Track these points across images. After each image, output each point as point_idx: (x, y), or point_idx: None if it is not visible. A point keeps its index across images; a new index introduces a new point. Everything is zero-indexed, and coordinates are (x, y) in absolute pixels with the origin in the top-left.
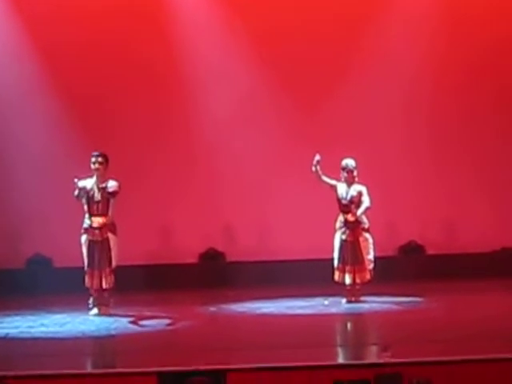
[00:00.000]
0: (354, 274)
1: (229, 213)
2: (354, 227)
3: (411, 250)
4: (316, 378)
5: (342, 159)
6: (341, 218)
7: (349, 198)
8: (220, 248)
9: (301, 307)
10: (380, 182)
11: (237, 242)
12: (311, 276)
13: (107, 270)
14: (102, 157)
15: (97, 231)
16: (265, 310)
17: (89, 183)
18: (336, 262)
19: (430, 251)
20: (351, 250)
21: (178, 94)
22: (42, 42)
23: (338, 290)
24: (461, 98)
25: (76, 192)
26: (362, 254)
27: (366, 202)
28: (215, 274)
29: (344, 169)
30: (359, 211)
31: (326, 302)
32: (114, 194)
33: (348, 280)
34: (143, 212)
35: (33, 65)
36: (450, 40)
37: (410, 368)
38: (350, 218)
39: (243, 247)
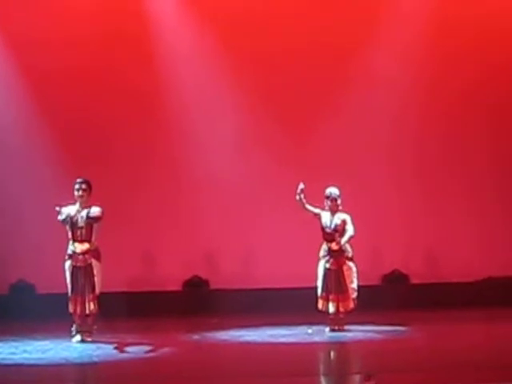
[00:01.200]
0: (337, 302)
1: (213, 240)
2: (337, 256)
3: (395, 279)
4: None
5: (326, 187)
6: (324, 246)
7: (333, 226)
8: (204, 275)
9: (284, 335)
10: (365, 210)
11: (221, 269)
12: (294, 304)
13: (91, 295)
14: (85, 183)
15: (80, 257)
16: (248, 338)
17: (72, 210)
18: (320, 291)
19: (414, 280)
20: (335, 278)
21: (163, 120)
22: (29, 68)
23: (321, 318)
24: (449, 126)
25: (61, 217)
26: (345, 282)
27: (349, 230)
28: (199, 301)
29: (328, 197)
30: (343, 240)
31: (310, 331)
32: (96, 219)
33: (332, 309)
34: (127, 239)
35: (19, 92)
36: (438, 67)
37: None
38: (334, 246)
39: (227, 275)
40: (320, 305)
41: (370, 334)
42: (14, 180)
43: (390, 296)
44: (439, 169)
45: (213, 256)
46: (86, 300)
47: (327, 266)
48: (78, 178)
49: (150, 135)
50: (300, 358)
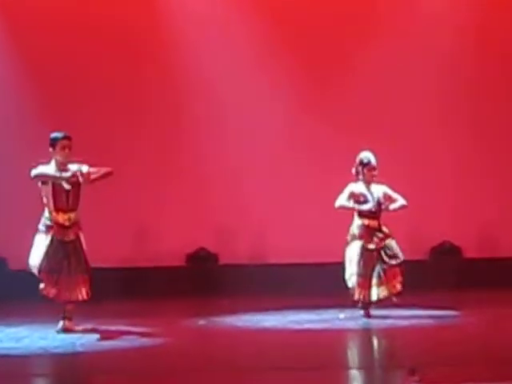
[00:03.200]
0: (383, 286)
1: (222, 208)
2: (379, 234)
3: (445, 252)
4: None
5: (359, 152)
6: (359, 223)
7: (375, 200)
8: (212, 248)
9: (310, 321)
10: (406, 173)
11: (232, 241)
12: (322, 283)
13: (83, 277)
14: (70, 139)
15: (67, 230)
16: (266, 324)
17: (50, 170)
18: (355, 278)
19: (468, 254)
20: (377, 260)
21: (162, 74)
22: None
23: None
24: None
25: (36, 171)
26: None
27: (400, 199)
28: (206, 278)
29: (365, 165)
30: (393, 206)
31: (342, 316)
32: (89, 178)
33: (375, 296)
34: (120, 207)
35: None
36: None
37: None
38: (374, 223)
39: (240, 248)
40: (358, 294)
41: (414, 320)
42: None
43: (438, 273)
44: (501, 127)
45: (223, 226)
46: (77, 282)
47: (370, 246)
48: (56, 132)
49: (149, 90)
50: (330, 348)
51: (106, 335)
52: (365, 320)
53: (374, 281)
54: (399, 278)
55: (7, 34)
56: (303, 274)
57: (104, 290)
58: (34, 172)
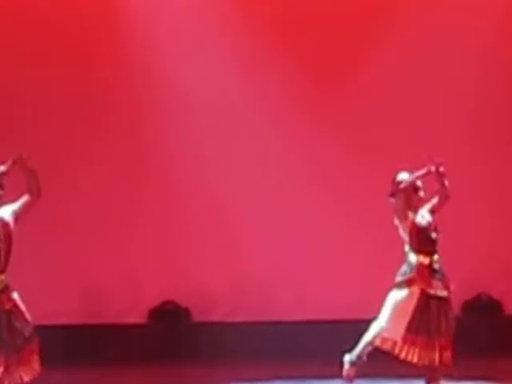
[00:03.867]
0: (442, 350)
1: (194, 253)
2: (440, 278)
3: (482, 308)
4: None
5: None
6: (411, 260)
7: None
8: (182, 301)
9: None
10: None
11: (207, 293)
12: (321, 345)
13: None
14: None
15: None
16: None
17: None
18: (402, 331)
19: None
20: (438, 314)
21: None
22: None
23: (372, 367)
24: None
25: None
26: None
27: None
28: (174, 340)
29: (418, 190)
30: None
31: None
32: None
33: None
34: (66, 254)
35: None
36: None
37: None
38: (435, 262)
39: (217, 301)
40: (404, 353)
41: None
42: None
43: (474, 332)
44: None
45: (194, 274)
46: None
47: (432, 292)
48: None
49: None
50: None
51: None
52: None
53: None
54: None
55: None
56: (297, 332)
57: (47, 354)
58: None
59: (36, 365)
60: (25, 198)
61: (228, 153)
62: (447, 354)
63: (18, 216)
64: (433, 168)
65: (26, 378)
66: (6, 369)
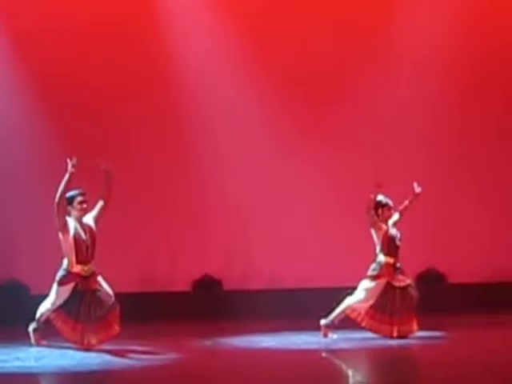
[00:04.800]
0: (402, 325)
1: (227, 237)
2: (401, 272)
3: (431, 279)
4: None
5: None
6: (381, 260)
7: (400, 236)
8: (216, 275)
9: (307, 342)
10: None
11: (235, 268)
12: (319, 306)
13: (100, 324)
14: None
15: (87, 280)
16: (266, 345)
17: (70, 224)
18: (367, 307)
19: (452, 280)
20: (401, 298)
21: (168, 104)
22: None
23: (347, 323)
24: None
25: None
26: (413, 302)
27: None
28: (211, 303)
29: (384, 206)
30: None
31: (335, 336)
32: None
33: (396, 333)
34: (132, 235)
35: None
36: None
37: None
38: (397, 263)
39: (242, 274)
40: (364, 323)
41: (401, 340)
42: (9, 173)
43: (426, 297)
44: (493, 159)
45: (226, 253)
46: (95, 329)
47: (396, 284)
48: (76, 189)
49: (156, 119)
50: (324, 366)
51: (119, 355)
52: (355, 340)
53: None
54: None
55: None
56: (301, 298)
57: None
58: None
59: (117, 326)
60: (99, 205)
61: (240, 157)
62: (407, 327)
63: (96, 220)
64: (417, 189)
65: (108, 337)
66: (83, 331)
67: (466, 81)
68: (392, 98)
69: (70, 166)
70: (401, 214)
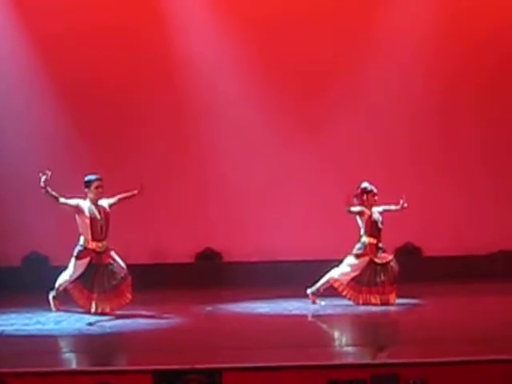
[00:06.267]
0: (383, 295)
1: (227, 213)
2: (383, 251)
3: (408, 252)
4: (311, 377)
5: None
6: (365, 241)
7: (381, 220)
8: (217, 248)
9: (297, 308)
10: (378, 180)
11: (234, 242)
12: (309, 277)
13: (114, 293)
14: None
15: (101, 255)
16: (261, 310)
17: (84, 205)
18: (349, 279)
19: (427, 253)
20: (384, 272)
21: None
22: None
23: (334, 291)
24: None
25: (67, 201)
26: (394, 275)
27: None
28: (211, 273)
29: (369, 192)
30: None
31: (323, 303)
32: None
33: (375, 302)
34: (140, 212)
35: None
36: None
37: (407, 369)
38: (379, 243)
39: (241, 247)
40: (345, 292)
41: (383, 307)
42: (29, 148)
43: (404, 268)
44: (467, 144)
45: (226, 228)
46: (108, 297)
47: (378, 261)
48: (90, 175)
49: (161, 108)
50: (313, 329)
51: (130, 319)
52: (342, 306)
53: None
54: None
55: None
56: (293, 269)
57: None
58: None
59: (129, 294)
60: (117, 198)
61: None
62: (391, 296)
63: (111, 205)
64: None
65: (120, 305)
66: (97, 300)
67: (449, 73)
68: (381, 89)
69: (42, 179)
70: (383, 211)
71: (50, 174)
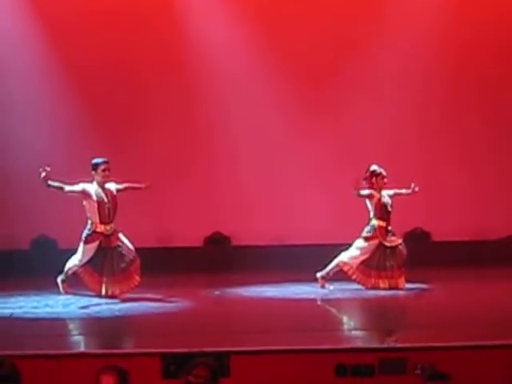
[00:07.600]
0: (391, 279)
1: (236, 196)
2: (393, 233)
3: (417, 237)
4: (320, 361)
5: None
6: (374, 223)
7: (391, 203)
8: (225, 232)
9: (306, 292)
10: (387, 164)
11: (243, 226)
12: (317, 261)
13: (123, 275)
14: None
15: (110, 237)
16: (269, 294)
17: (91, 189)
18: (358, 262)
19: (436, 238)
20: (393, 256)
21: (182, 76)
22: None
23: (343, 275)
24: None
25: (72, 189)
26: (402, 259)
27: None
28: (220, 257)
29: (378, 175)
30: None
31: (331, 287)
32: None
33: (384, 286)
34: (148, 195)
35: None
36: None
37: (415, 353)
38: (388, 226)
39: (249, 231)
40: (355, 276)
41: (391, 292)
42: (37, 133)
43: (412, 254)
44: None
45: (235, 213)
46: (118, 280)
47: (387, 244)
48: (97, 158)
49: (171, 93)
50: (321, 313)
51: (139, 302)
52: (350, 291)
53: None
54: None
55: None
56: (302, 253)
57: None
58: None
59: (138, 276)
60: (124, 186)
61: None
62: (400, 280)
63: (118, 191)
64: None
65: (130, 287)
66: (107, 283)
67: (457, 59)
68: (391, 74)
69: (42, 175)
70: (394, 194)
71: (49, 169)
